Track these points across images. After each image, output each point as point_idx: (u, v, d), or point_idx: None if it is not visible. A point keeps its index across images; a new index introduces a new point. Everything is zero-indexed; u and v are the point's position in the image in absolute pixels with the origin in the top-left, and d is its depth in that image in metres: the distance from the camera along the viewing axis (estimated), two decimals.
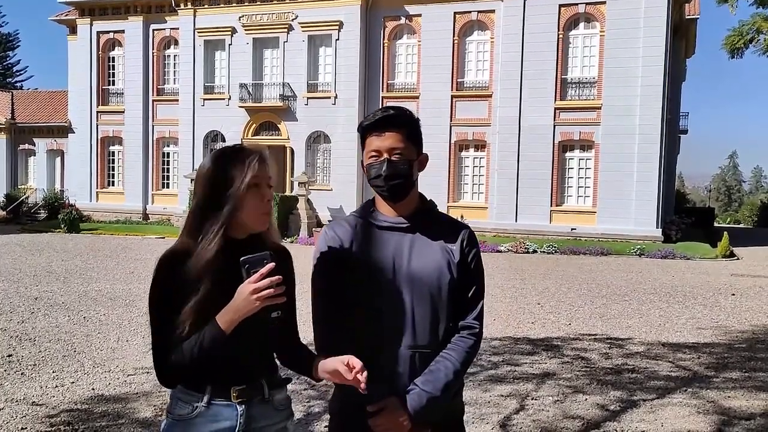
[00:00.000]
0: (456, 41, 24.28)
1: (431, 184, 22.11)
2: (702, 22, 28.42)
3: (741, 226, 50.59)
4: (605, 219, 22.35)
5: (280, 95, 25.94)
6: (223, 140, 26.80)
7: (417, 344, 1.97)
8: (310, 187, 24.57)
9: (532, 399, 5.51)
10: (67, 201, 29.12)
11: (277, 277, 1.71)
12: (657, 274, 15.77)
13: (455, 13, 24.18)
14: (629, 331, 8.70)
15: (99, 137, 29.88)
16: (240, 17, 26.48)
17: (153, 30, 28.60)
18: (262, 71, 26.72)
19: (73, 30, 30.60)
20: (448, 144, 24.30)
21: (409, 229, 2.02)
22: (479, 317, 2.04)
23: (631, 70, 21.86)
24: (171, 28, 28.23)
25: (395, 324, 1.97)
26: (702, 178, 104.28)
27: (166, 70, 29.07)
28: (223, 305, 1.75)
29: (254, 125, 26.65)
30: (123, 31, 28.97)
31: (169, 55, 29.01)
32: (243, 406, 1.84)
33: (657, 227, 22.11)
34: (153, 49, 28.73)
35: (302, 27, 25.67)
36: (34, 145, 32.76)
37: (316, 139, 26.19)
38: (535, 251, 20.68)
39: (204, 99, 27.30)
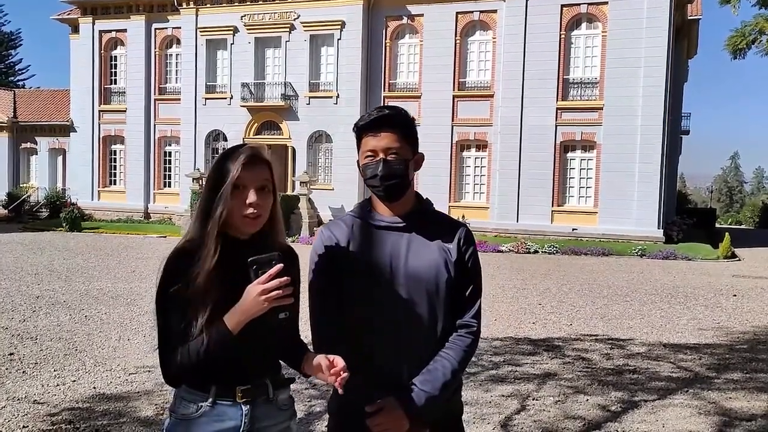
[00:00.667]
0: (458, 41, 24.27)
1: (432, 184, 22.15)
2: (704, 23, 28.36)
3: (742, 227, 50.54)
4: (606, 219, 22.33)
5: (281, 95, 25.94)
6: (225, 140, 26.85)
7: (415, 343, 1.97)
8: (311, 187, 24.60)
9: (533, 399, 5.52)
10: (68, 200, 29.17)
11: (285, 278, 1.71)
12: (658, 274, 15.75)
13: (457, 12, 24.16)
14: (630, 332, 8.70)
15: (101, 136, 29.90)
16: (242, 17, 26.50)
17: (155, 29, 28.60)
18: (263, 71, 26.74)
19: (76, 29, 30.66)
20: (450, 144, 24.30)
21: (405, 228, 2.02)
22: (477, 315, 2.04)
23: (633, 70, 21.82)
24: (173, 28, 28.24)
25: (393, 323, 1.97)
26: (704, 178, 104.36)
27: (168, 69, 29.09)
28: (230, 305, 1.75)
29: (256, 125, 26.67)
30: (125, 30, 28.98)
31: (171, 55, 29.02)
32: (248, 405, 1.85)
33: (658, 228, 22.07)
34: (155, 48, 28.73)
35: (304, 26, 25.67)
36: (36, 144, 32.81)
37: (318, 138, 26.20)
38: (536, 251, 20.66)
39: (206, 98, 27.31)
